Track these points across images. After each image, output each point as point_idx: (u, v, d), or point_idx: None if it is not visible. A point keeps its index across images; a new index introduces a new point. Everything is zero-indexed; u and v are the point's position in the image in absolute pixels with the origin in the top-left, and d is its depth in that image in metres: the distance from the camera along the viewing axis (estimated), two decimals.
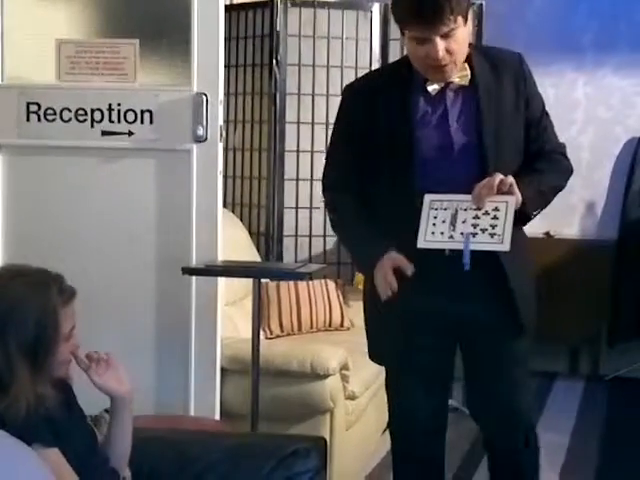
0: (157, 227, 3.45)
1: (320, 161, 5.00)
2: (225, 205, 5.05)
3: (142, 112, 3.44)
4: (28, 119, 3.48)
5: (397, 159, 2.59)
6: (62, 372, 2.11)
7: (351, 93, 2.75)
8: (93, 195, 3.48)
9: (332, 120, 4.87)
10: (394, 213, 2.62)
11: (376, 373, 4.21)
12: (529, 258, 2.80)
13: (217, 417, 3.42)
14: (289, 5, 4.92)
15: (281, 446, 2.44)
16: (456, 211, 2.54)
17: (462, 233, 2.51)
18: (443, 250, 2.55)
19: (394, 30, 5.07)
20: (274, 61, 4.91)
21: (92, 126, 3.46)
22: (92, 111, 3.45)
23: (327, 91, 5.03)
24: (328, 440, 3.50)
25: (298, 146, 5.02)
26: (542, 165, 2.67)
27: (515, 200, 2.51)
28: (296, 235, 5.07)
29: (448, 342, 2.76)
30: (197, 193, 3.43)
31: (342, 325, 4.67)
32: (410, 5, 2.44)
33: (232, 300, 4.32)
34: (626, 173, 5.63)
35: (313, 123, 5.03)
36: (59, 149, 3.48)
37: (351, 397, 3.79)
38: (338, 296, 4.72)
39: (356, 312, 4.78)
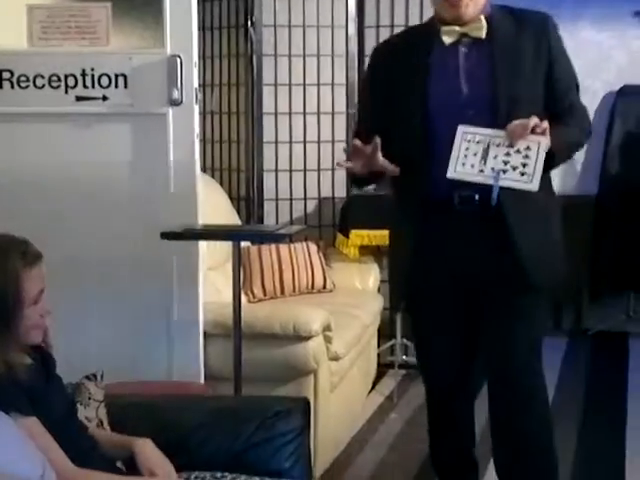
0: (135, 192, 3.42)
1: (298, 123, 5.02)
2: (204, 170, 5.02)
3: (116, 76, 3.39)
4: (1, 86, 3.43)
5: (411, 108, 2.68)
6: (34, 338, 2.09)
7: (376, 54, 2.90)
8: (69, 161, 3.44)
9: (309, 81, 4.95)
10: (409, 161, 2.67)
11: (359, 334, 4.22)
12: (553, 218, 2.85)
13: (201, 381, 3.42)
14: None
15: (263, 408, 2.44)
16: (488, 146, 2.56)
17: (493, 168, 2.53)
18: (452, 198, 2.64)
19: None
20: (249, 22, 4.86)
21: (66, 92, 3.40)
22: (66, 77, 3.39)
23: (304, 52, 4.98)
24: (312, 401, 3.51)
25: (276, 108, 4.98)
26: (569, 120, 2.72)
27: (547, 142, 2.54)
28: (277, 198, 5.05)
29: (460, 292, 2.79)
30: (174, 157, 3.39)
31: (325, 287, 4.67)
32: None
33: (215, 265, 4.31)
34: (605, 127, 5.64)
35: (290, 84, 4.99)
36: (33, 116, 3.42)
37: (334, 358, 3.79)
38: (320, 258, 4.72)
39: (338, 274, 4.80)
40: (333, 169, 5.08)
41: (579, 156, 5.74)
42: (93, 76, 3.39)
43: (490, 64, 2.66)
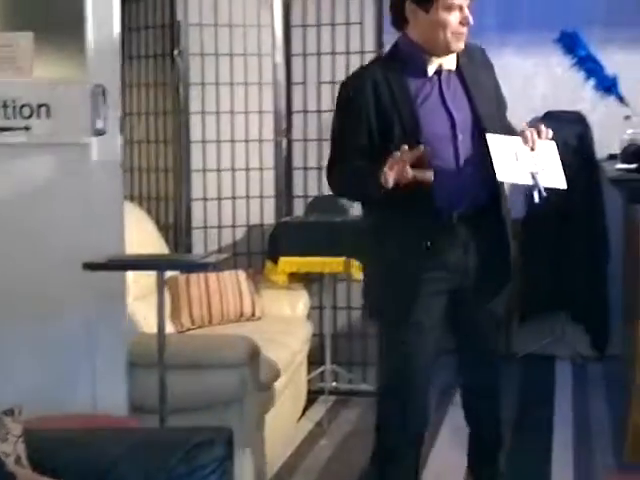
0: (58, 223, 3.39)
1: (226, 151, 5.03)
2: (132, 199, 5.01)
3: (39, 106, 3.36)
4: None
5: (406, 137, 2.88)
6: None
7: (353, 83, 3.06)
8: None
9: (236, 109, 4.96)
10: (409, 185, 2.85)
11: (288, 361, 4.22)
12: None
13: (126, 413, 3.39)
14: None
15: (186, 439, 2.42)
16: (516, 151, 2.81)
17: (530, 172, 2.77)
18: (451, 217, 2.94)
19: (296, 16, 5.07)
20: (176, 51, 4.86)
21: None
22: None
23: (231, 79, 4.99)
24: (240, 430, 3.50)
25: (204, 136, 4.98)
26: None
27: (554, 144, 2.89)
28: (205, 227, 5.04)
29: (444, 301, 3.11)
30: (98, 187, 3.38)
31: (254, 315, 4.66)
32: None
33: (141, 294, 4.27)
34: None
35: (218, 113, 4.99)
36: None
37: (262, 387, 3.78)
38: (249, 286, 4.71)
39: (267, 301, 4.80)
40: (262, 196, 5.10)
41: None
42: (14, 107, 3.36)
43: (465, 91, 3.01)
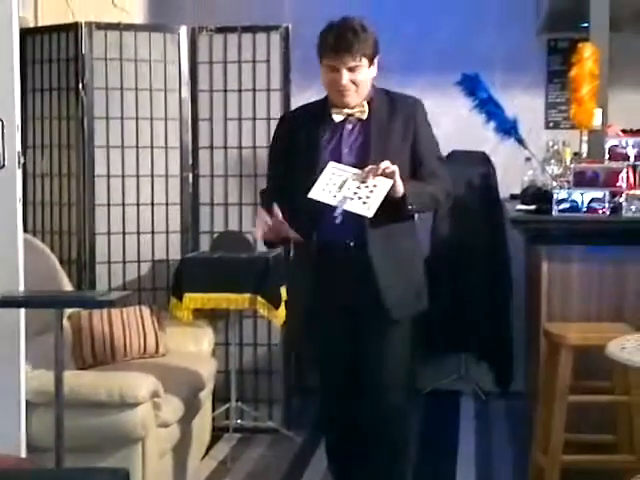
0: None
1: (132, 185, 4.99)
2: (34, 233, 4.92)
3: None
4: None
5: (309, 174, 3.29)
6: None
7: (283, 122, 3.65)
8: None
9: (142, 144, 4.93)
10: (307, 211, 3.33)
11: (193, 398, 4.18)
12: (417, 261, 3.55)
13: (22, 453, 3.30)
14: (94, 28, 4.83)
15: None
16: (347, 179, 3.22)
17: (343, 196, 3.18)
18: (337, 239, 3.34)
19: (202, 53, 5.07)
20: (80, 85, 4.82)
21: None
22: None
23: (137, 114, 4.96)
24: (140, 470, 3.46)
25: (108, 171, 4.93)
26: (429, 182, 3.41)
27: (392, 184, 3.19)
28: (109, 262, 4.97)
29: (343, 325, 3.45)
30: None
31: (157, 351, 4.60)
32: (330, 40, 3.31)
33: (42, 329, 4.18)
34: None
35: (123, 147, 4.95)
36: None
37: (163, 424, 3.74)
38: (153, 322, 4.64)
39: (172, 337, 4.75)
40: (167, 231, 5.06)
41: None
42: None
43: (367, 138, 3.38)
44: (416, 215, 3.51)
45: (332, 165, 3.27)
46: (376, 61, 3.40)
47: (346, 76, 3.31)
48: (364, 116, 3.41)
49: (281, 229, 3.30)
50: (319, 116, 3.44)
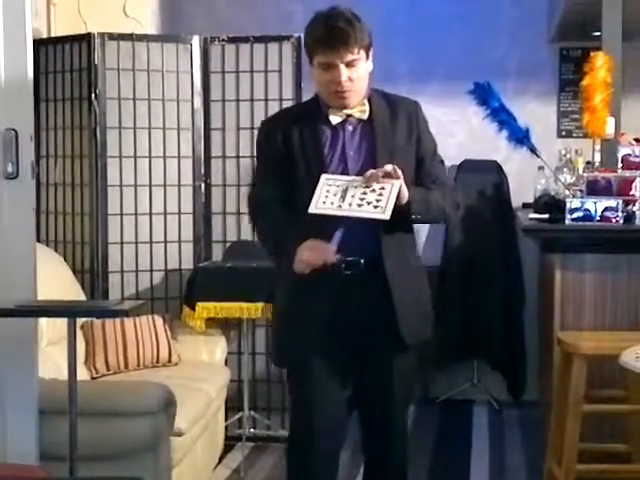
0: None
1: (145, 195, 5.00)
2: (47, 243, 4.94)
3: None
4: None
5: (314, 179, 2.93)
6: None
7: (269, 126, 3.17)
8: None
9: (155, 153, 4.95)
10: (310, 222, 2.92)
11: (204, 408, 4.18)
12: (424, 280, 3.17)
13: (36, 462, 3.31)
14: (107, 39, 4.86)
15: None
16: (347, 188, 2.91)
17: (350, 203, 2.87)
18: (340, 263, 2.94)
19: (215, 63, 5.09)
20: (93, 95, 4.83)
21: None
22: None
23: (149, 124, 4.98)
24: (154, 478, 3.46)
25: (121, 180, 4.94)
26: (431, 187, 3.08)
27: (401, 183, 2.88)
28: (122, 271, 4.98)
29: (345, 354, 3.03)
30: (10, 231, 3.34)
31: (170, 360, 4.62)
32: (322, 34, 2.91)
33: (56, 339, 4.20)
34: None
35: (135, 157, 4.97)
36: None
37: (177, 434, 3.74)
38: (166, 331, 4.67)
39: (184, 346, 4.76)
40: (180, 241, 5.07)
41: (423, 228, 5.87)
42: None
43: (372, 140, 3.02)
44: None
45: (326, 177, 2.95)
46: (371, 54, 3.03)
47: (345, 73, 2.93)
48: (365, 116, 3.05)
49: (328, 257, 2.91)
50: (313, 119, 3.06)
